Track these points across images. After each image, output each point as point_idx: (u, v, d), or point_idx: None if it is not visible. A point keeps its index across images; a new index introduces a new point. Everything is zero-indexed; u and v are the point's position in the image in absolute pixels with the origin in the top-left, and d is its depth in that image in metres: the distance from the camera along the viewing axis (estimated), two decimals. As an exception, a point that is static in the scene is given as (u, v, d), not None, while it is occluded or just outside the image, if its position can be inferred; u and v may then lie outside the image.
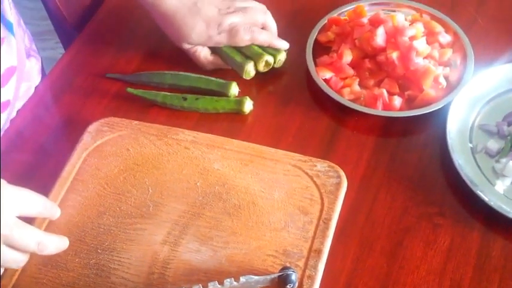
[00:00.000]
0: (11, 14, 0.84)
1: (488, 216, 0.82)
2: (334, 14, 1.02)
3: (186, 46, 0.95)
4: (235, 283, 0.73)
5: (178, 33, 0.94)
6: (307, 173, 0.84)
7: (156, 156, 0.86)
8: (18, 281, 0.77)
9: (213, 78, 0.96)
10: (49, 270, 0.77)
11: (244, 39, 0.94)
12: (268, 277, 0.74)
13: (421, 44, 0.95)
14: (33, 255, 0.76)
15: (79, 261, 0.78)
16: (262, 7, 0.98)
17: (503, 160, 0.86)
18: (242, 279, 0.73)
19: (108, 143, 0.88)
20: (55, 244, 0.74)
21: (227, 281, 0.73)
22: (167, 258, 0.77)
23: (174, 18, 0.92)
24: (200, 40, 0.94)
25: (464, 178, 0.83)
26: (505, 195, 0.83)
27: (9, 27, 0.83)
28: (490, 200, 0.82)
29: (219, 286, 0.73)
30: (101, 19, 1.07)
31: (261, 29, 0.96)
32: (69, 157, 0.87)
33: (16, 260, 0.72)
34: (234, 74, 0.98)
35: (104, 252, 0.78)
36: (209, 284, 0.73)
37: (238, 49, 0.96)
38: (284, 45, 0.97)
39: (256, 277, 0.74)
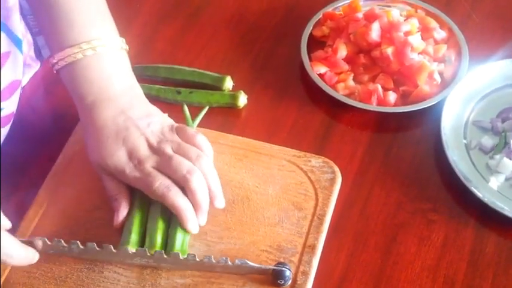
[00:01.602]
0: (20, 30, 0.83)
1: (482, 212, 0.82)
2: (329, 9, 1.02)
3: (98, 168, 0.79)
4: (229, 263, 0.73)
5: (97, 152, 0.77)
6: (301, 169, 0.84)
7: (149, 150, 0.86)
8: (10, 274, 0.76)
9: (207, 72, 0.96)
10: (41, 264, 0.76)
11: (155, 194, 0.75)
12: (263, 267, 0.74)
13: (416, 40, 0.94)
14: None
15: (72, 255, 0.77)
16: (205, 159, 0.77)
17: (497, 156, 0.86)
18: (237, 261, 0.74)
19: (102, 136, 0.87)
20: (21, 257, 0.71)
21: (222, 259, 0.74)
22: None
23: (99, 133, 0.77)
24: (115, 169, 0.76)
25: (459, 174, 0.83)
26: (498, 192, 0.83)
27: (18, 44, 0.82)
28: (484, 196, 0.82)
29: (213, 261, 0.73)
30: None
31: (181, 192, 0.75)
32: (62, 149, 0.86)
33: None
34: (229, 67, 0.97)
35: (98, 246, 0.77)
36: (204, 257, 0.74)
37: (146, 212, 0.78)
38: (194, 229, 0.76)
39: (251, 263, 0.74)
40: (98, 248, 0.75)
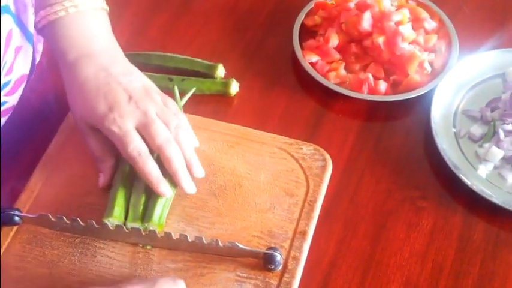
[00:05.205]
0: (32, 25, 0.84)
1: (470, 200, 0.83)
2: (321, -2, 1.02)
3: (82, 125, 0.79)
4: (220, 245, 0.74)
5: (79, 107, 0.79)
6: (293, 156, 0.84)
7: (142, 136, 0.86)
8: (2, 258, 0.76)
9: (199, 60, 0.96)
10: (34, 248, 0.77)
11: (128, 155, 0.76)
12: (254, 250, 0.75)
13: (406, 30, 0.95)
14: (16, 234, 0.76)
15: (64, 240, 0.77)
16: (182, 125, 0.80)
17: (486, 145, 0.87)
18: (228, 243, 0.74)
19: (94, 122, 0.88)
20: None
21: (213, 241, 0.74)
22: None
23: (81, 88, 0.78)
24: (96, 122, 0.77)
25: (448, 162, 0.84)
26: (487, 180, 0.84)
27: (29, 38, 0.83)
28: (472, 184, 0.83)
29: (204, 242, 0.74)
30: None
31: (152, 161, 0.76)
32: (54, 135, 0.86)
33: None
34: (220, 55, 0.98)
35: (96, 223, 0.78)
36: (196, 238, 0.74)
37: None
38: (167, 192, 0.77)
39: (241, 246, 0.74)
40: (96, 226, 0.76)
